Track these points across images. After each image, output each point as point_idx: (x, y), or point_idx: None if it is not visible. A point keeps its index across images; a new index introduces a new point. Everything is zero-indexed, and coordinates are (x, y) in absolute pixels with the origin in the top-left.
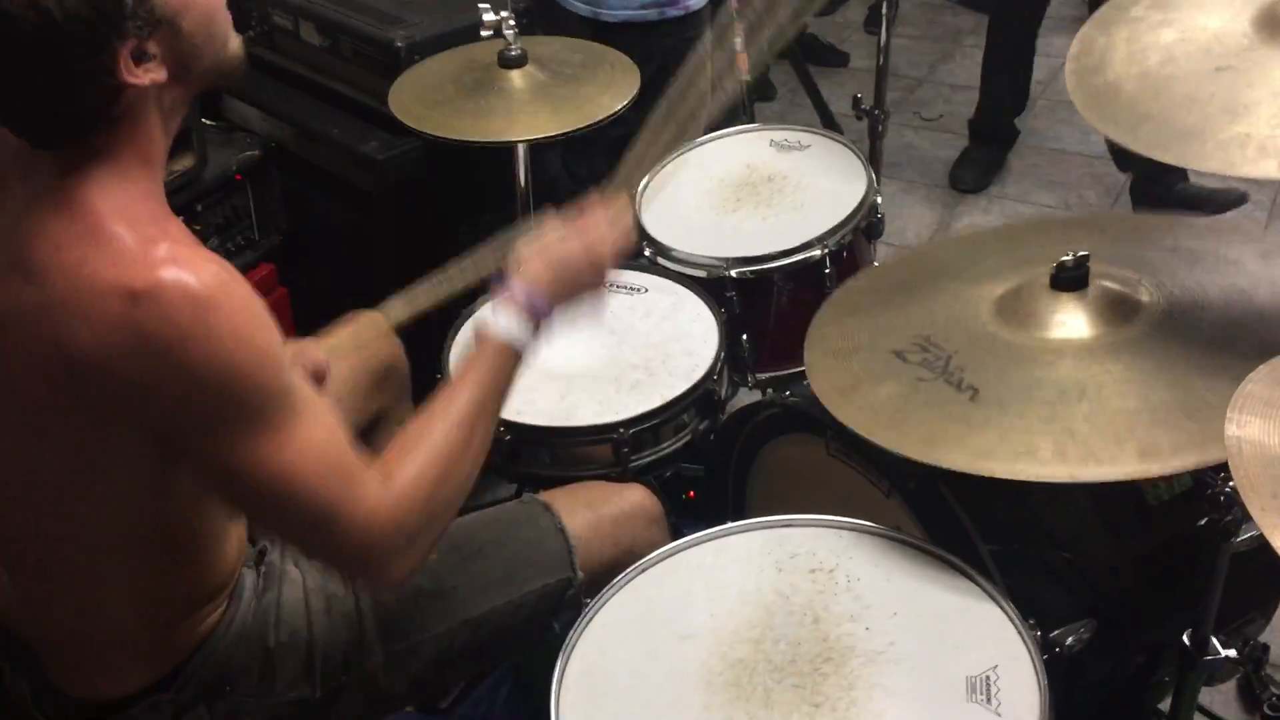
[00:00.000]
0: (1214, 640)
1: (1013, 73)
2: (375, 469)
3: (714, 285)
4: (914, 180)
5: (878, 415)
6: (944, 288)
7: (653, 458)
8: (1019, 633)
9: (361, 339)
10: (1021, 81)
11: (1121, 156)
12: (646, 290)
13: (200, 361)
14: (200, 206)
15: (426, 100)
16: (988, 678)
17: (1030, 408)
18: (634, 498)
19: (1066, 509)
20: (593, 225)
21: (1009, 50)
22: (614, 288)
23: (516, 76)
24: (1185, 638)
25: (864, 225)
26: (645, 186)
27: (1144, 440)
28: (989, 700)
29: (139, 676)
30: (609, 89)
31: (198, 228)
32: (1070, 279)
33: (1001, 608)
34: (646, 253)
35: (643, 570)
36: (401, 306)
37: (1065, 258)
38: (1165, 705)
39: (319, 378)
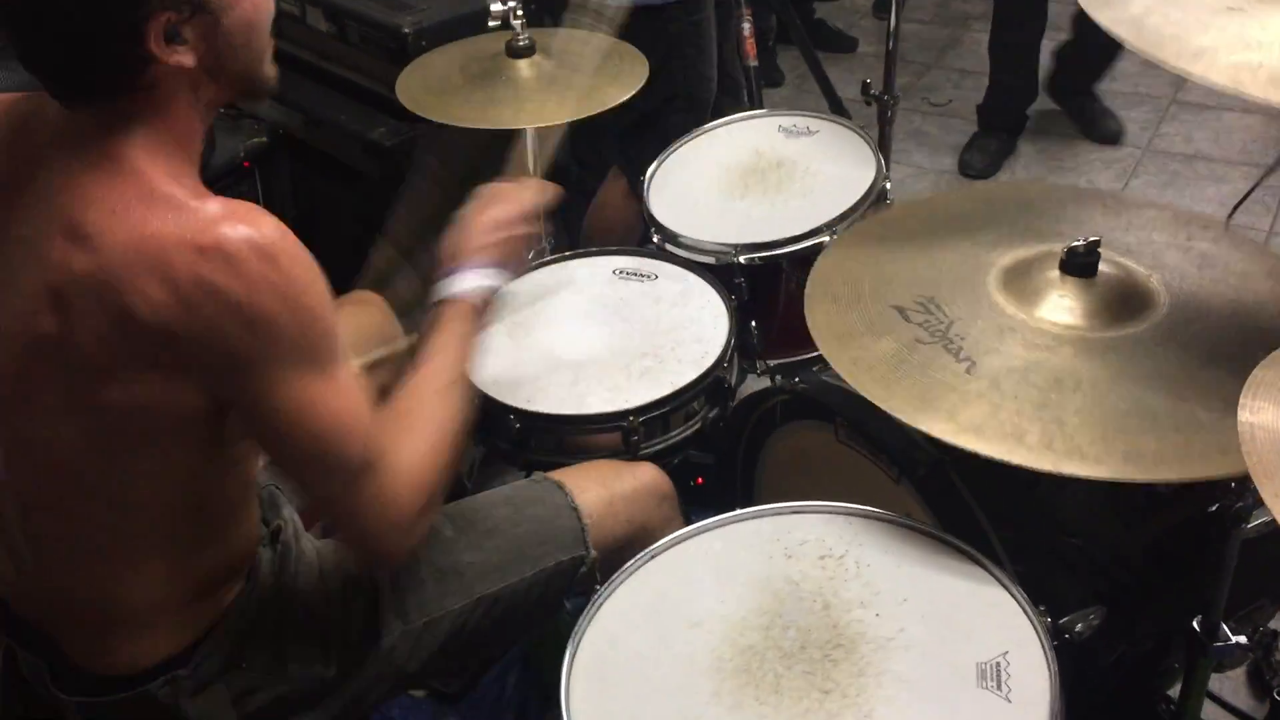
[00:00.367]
0: (1224, 627)
1: (1019, 70)
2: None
3: (722, 272)
4: (923, 166)
5: (872, 370)
6: (953, 246)
7: (662, 445)
8: (1029, 619)
9: (360, 320)
10: (1027, 77)
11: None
12: (657, 277)
13: (270, 307)
14: None
15: (434, 88)
16: (998, 664)
17: (1025, 391)
18: (645, 475)
19: (1077, 496)
20: (497, 194)
21: (1014, 49)
22: (624, 274)
23: (524, 66)
24: (1195, 624)
25: (873, 211)
26: (655, 172)
27: (1130, 445)
28: (999, 686)
29: (158, 651)
30: (616, 78)
31: None
32: (1080, 264)
33: (1012, 594)
34: (655, 239)
35: (652, 557)
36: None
37: (1076, 243)
38: (1175, 692)
39: None
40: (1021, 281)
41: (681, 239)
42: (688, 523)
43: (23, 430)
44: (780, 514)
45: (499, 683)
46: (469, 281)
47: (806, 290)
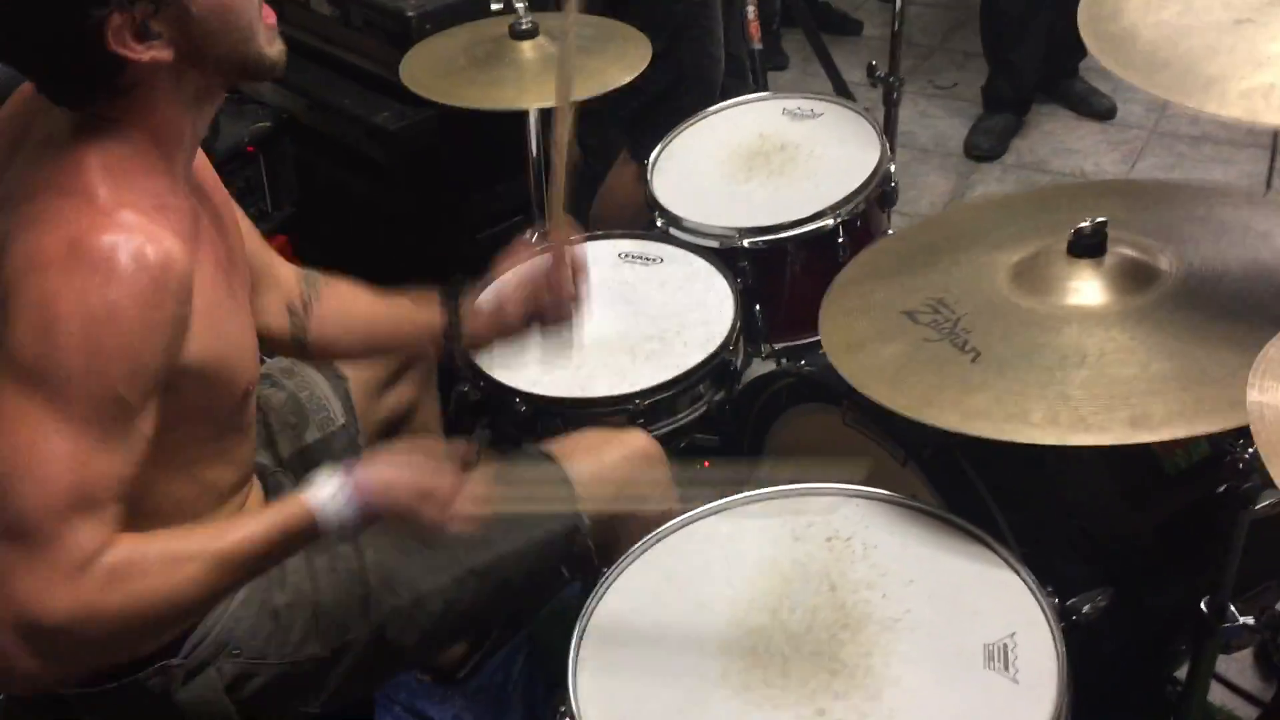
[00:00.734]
0: (1231, 608)
1: (1021, 51)
2: (100, 539)
3: (727, 255)
4: (928, 148)
5: (879, 372)
6: (964, 252)
7: (669, 428)
8: (1036, 600)
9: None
10: (1032, 58)
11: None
12: (662, 260)
13: (62, 312)
14: None
15: (438, 70)
16: (1005, 645)
17: (1029, 372)
18: (634, 442)
19: (1084, 477)
20: (444, 479)
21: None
22: (629, 258)
23: (528, 48)
24: (1203, 605)
25: (877, 194)
26: (658, 155)
27: (1136, 409)
28: (1006, 668)
29: None
30: (619, 60)
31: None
32: (1087, 245)
33: (1019, 575)
34: (659, 223)
35: (659, 539)
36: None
37: (1083, 224)
38: (1182, 673)
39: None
40: (1031, 272)
41: (685, 222)
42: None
43: None
44: (787, 496)
45: (505, 666)
46: (338, 502)
47: (821, 314)
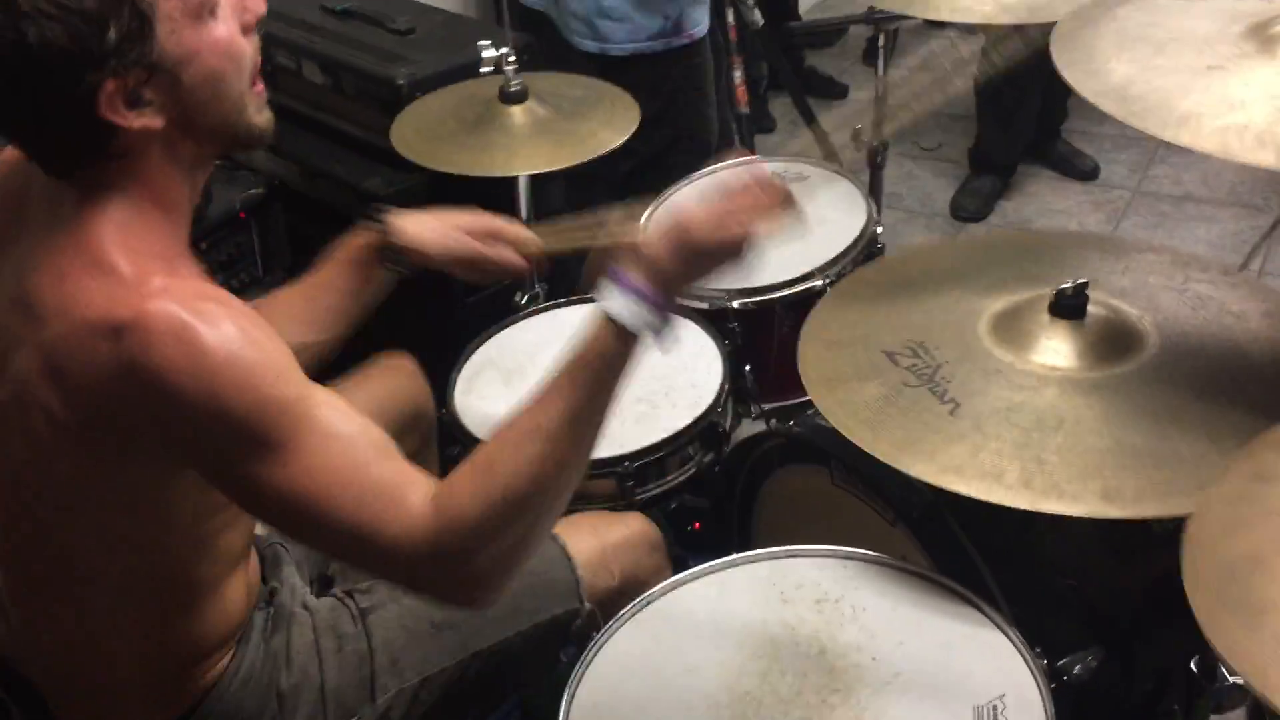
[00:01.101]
0: (1222, 667)
1: (1009, 113)
2: (426, 487)
3: (716, 316)
4: (914, 210)
5: (857, 413)
6: (947, 293)
7: (657, 490)
8: (1026, 661)
9: (389, 384)
10: (1019, 120)
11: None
12: None
13: (183, 387)
14: (204, 244)
15: (428, 135)
16: (995, 707)
17: (1006, 430)
18: (635, 525)
19: (1073, 537)
20: (734, 209)
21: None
22: None
23: (517, 112)
24: (1193, 664)
25: (865, 255)
26: (649, 216)
27: (1109, 481)
28: None
29: None
30: (609, 124)
31: (202, 266)
32: (1068, 307)
33: (1008, 636)
34: None
35: (648, 603)
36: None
37: (1065, 285)
38: None
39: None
40: (1011, 325)
41: None
42: (684, 569)
43: None
44: (776, 558)
45: None
46: (631, 309)
47: (801, 336)
